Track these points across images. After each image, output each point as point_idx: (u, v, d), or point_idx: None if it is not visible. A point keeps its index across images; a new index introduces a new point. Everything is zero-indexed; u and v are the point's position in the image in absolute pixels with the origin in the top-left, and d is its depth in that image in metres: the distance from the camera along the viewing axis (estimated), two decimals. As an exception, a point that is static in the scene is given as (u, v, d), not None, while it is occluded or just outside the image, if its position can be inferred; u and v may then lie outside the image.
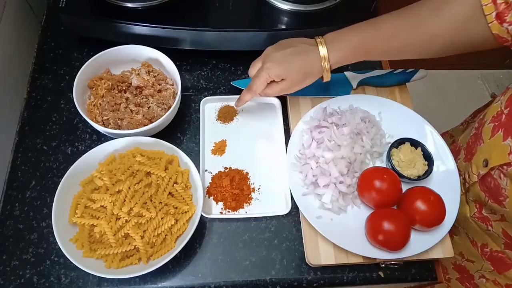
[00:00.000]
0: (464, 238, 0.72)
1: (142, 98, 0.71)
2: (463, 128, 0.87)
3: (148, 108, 0.70)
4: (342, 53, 0.63)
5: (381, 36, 0.62)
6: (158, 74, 0.74)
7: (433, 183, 0.69)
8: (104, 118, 0.68)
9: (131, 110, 0.70)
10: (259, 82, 0.65)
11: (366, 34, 0.63)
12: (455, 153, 0.74)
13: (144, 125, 0.66)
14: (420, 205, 0.62)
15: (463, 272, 0.74)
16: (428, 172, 0.68)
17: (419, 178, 0.68)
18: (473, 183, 0.65)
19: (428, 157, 0.69)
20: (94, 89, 0.72)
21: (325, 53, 0.62)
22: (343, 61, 0.64)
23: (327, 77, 0.65)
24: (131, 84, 0.72)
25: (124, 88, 0.72)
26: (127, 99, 0.71)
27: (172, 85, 0.73)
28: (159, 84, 0.72)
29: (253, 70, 0.67)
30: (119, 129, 0.67)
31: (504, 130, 0.57)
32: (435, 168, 0.69)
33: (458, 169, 0.70)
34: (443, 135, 0.75)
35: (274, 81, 0.65)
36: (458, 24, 0.57)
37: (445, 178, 0.69)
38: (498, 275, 0.66)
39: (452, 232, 0.73)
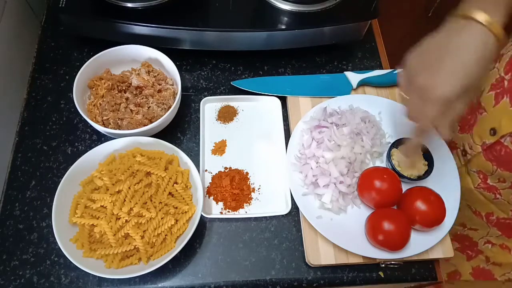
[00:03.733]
0: (465, 209, 0.71)
1: (142, 98, 0.71)
2: None
3: (148, 108, 0.70)
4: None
5: None
6: (158, 74, 0.74)
7: (433, 183, 0.69)
8: (104, 118, 0.68)
9: (131, 110, 0.70)
10: (446, 125, 0.50)
11: None
12: None
13: (144, 125, 0.66)
14: (420, 205, 0.62)
15: (465, 241, 0.73)
16: (428, 172, 0.68)
17: (419, 178, 0.68)
18: (476, 154, 0.64)
19: (428, 157, 0.69)
20: (94, 89, 0.72)
21: (485, 17, 0.45)
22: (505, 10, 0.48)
23: (504, 40, 0.48)
24: (131, 84, 0.72)
25: (124, 88, 0.72)
26: (127, 99, 0.71)
27: (172, 85, 0.73)
28: (159, 84, 0.72)
29: (415, 112, 0.52)
30: (119, 129, 0.67)
31: (510, 96, 0.56)
32: (435, 168, 0.69)
33: (453, 141, 0.70)
34: None
35: None
36: None
37: (445, 178, 0.69)
38: (507, 239, 0.66)
39: None
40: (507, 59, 0.59)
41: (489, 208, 0.66)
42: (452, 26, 0.48)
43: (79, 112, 0.65)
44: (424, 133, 0.52)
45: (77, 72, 0.68)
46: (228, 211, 0.67)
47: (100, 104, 0.69)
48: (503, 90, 0.58)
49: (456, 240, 0.75)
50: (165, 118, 0.66)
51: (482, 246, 0.70)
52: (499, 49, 0.49)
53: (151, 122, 0.68)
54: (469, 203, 0.70)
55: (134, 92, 0.72)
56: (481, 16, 0.45)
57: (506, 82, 0.58)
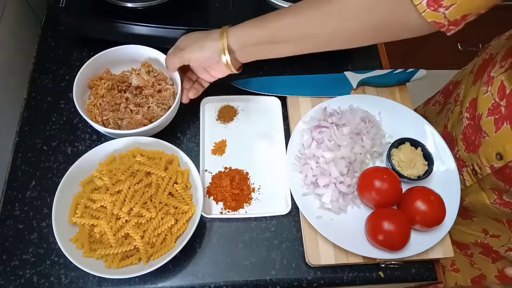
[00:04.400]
0: (485, 219, 0.71)
1: (142, 98, 0.71)
2: (438, 110, 0.87)
3: (148, 108, 0.70)
4: (242, 39, 0.59)
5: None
6: (158, 74, 0.74)
7: (433, 183, 0.69)
8: (104, 118, 0.68)
9: (131, 110, 0.70)
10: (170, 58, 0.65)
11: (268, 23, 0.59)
12: (453, 145, 0.74)
13: (144, 125, 0.66)
14: (420, 205, 0.62)
15: (486, 248, 0.74)
16: (428, 172, 0.68)
17: (419, 178, 0.68)
18: (486, 175, 0.65)
19: (428, 157, 0.69)
20: (94, 89, 0.72)
21: (224, 41, 0.59)
22: (245, 44, 0.60)
23: (232, 68, 0.62)
24: (131, 84, 0.72)
25: (124, 88, 0.72)
26: (127, 99, 0.71)
27: (172, 85, 0.73)
28: (159, 84, 0.72)
29: None
30: (119, 129, 0.67)
31: (510, 122, 0.58)
32: (435, 168, 0.69)
33: (461, 159, 0.70)
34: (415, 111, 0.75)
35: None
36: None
37: (445, 178, 0.69)
38: None
39: (468, 216, 0.73)
40: (498, 83, 0.60)
41: (510, 216, 0.67)
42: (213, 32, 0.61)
43: (79, 112, 0.65)
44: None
45: (77, 72, 0.68)
46: (228, 211, 0.67)
47: (100, 104, 0.69)
48: (502, 117, 0.59)
49: (479, 246, 0.75)
50: (165, 118, 0.66)
51: (504, 254, 0.71)
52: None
53: (151, 122, 0.68)
54: (487, 214, 0.70)
55: (134, 92, 0.72)
56: (224, 39, 0.59)
57: (503, 109, 0.59)
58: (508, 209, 0.65)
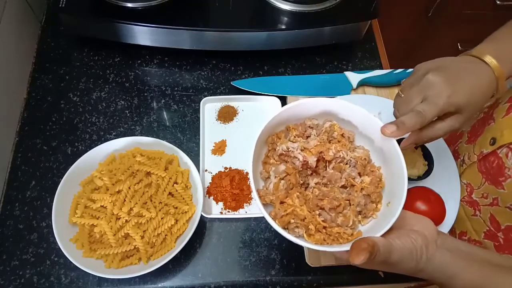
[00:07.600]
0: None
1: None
2: None
3: None
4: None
5: None
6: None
7: (433, 183, 0.68)
8: None
9: None
10: (430, 114, 0.49)
11: None
12: (457, 138, 0.74)
13: None
14: (420, 205, 0.62)
15: None
16: (428, 172, 0.68)
17: (419, 178, 0.68)
18: (471, 164, 0.65)
19: (428, 157, 0.69)
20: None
21: (497, 67, 0.51)
22: None
23: (502, 90, 0.53)
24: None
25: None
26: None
27: None
28: None
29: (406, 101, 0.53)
30: None
31: None
32: (435, 168, 0.69)
33: (457, 152, 0.70)
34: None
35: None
36: None
37: (445, 178, 0.69)
38: None
39: None
40: None
41: (464, 226, 0.67)
42: (468, 59, 0.52)
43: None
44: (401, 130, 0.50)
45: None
46: (228, 211, 0.67)
47: None
48: None
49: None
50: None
51: None
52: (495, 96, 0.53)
53: None
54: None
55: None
56: (493, 64, 0.50)
57: None
58: (472, 209, 0.65)
